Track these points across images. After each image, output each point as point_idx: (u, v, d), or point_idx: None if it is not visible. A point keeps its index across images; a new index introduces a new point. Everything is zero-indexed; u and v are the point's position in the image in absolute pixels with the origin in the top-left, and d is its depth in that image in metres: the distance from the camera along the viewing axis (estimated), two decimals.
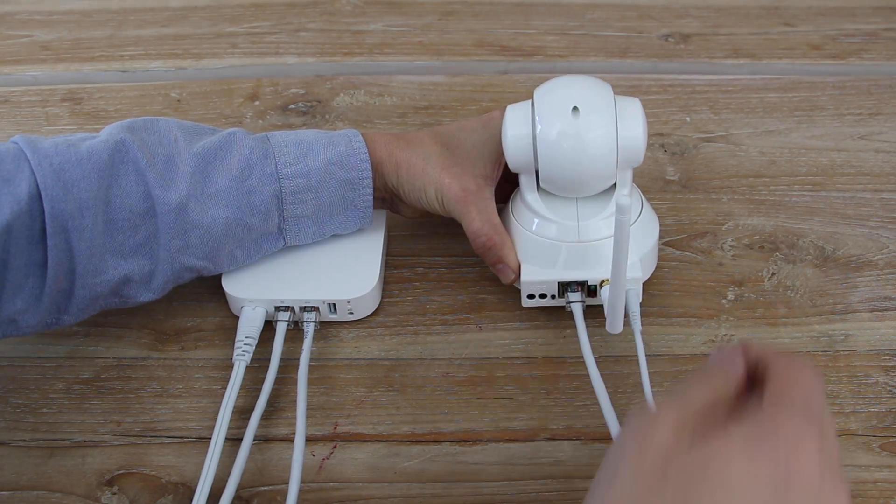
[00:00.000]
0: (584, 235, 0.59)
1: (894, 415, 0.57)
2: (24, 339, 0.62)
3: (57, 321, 0.56)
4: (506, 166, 0.62)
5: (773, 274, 0.65)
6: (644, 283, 0.62)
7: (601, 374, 0.56)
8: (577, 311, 0.59)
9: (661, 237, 0.63)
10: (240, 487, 0.53)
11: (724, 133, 0.76)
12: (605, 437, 0.55)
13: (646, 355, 0.57)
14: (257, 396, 0.57)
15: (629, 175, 0.60)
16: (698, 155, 0.74)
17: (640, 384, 0.56)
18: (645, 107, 0.59)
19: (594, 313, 0.60)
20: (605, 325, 0.57)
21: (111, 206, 0.55)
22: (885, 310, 0.62)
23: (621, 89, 0.60)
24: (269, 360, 0.59)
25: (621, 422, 0.54)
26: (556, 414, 0.57)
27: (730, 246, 0.67)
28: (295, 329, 0.62)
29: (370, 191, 0.61)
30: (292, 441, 0.55)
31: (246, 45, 0.87)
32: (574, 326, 0.59)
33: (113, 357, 0.61)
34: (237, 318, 0.61)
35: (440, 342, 0.61)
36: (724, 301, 0.63)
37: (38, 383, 0.60)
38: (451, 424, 0.57)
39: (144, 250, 0.56)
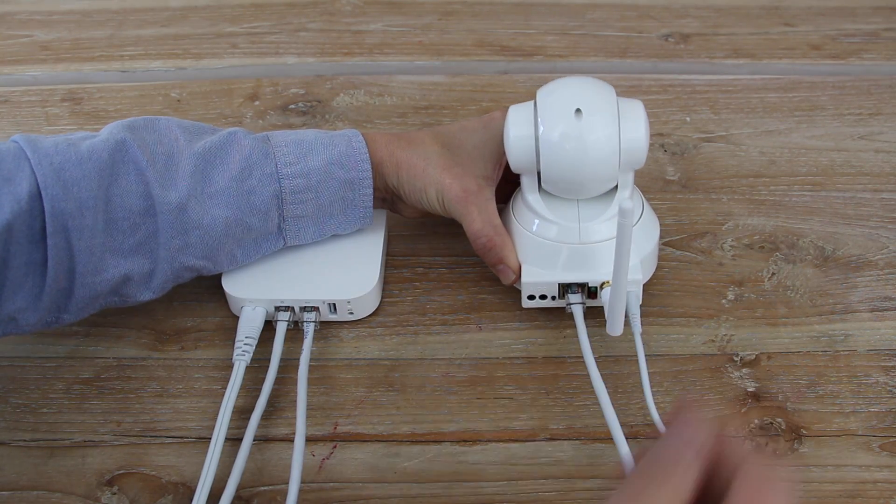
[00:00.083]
0: (586, 237, 0.59)
1: (894, 415, 0.57)
2: (24, 339, 0.62)
3: (57, 320, 0.56)
4: (506, 167, 0.62)
5: (773, 274, 0.65)
6: (644, 284, 0.62)
7: (601, 375, 0.56)
8: (578, 312, 0.59)
9: (661, 237, 0.63)
10: (240, 487, 0.53)
11: (724, 133, 0.76)
12: (606, 438, 0.56)
13: (645, 355, 0.57)
14: (257, 396, 0.57)
15: (631, 177, 0.60)
16: (698, 155, 0.74)
17: (640, 384, 0.56)
18: (645, 107, 0.59)
19: (593, 313, 0.60)
20: (604, 326, 0.57)
21: (111, 205, 0.55)
22: (885, 310, 0.62)
23: (621, 89, 0.60)
24: (269, 360, 0.59)
25: (622, 422, 0.54)
26: (556, 414, 0.57)
27: (730, 246, 0.67)
28: (295, 329, 0.61)
29: (370, 191, 0.61)
30: (292, 441, 0.55)
31: (246, 45, 0.87)
32: (574, 326, 0.59)
33: (113, 357, 0.61)
34: (237, 318, 0.61)
35: (440, 342, 0.61)
36: (724, 301, 0.63)
37: (38, 383, 0.60)
38: (451, 424, 0.57)
39: (144, 249, 0.56)
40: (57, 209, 0.53)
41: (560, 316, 0.62)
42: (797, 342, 0.61)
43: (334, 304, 0.61)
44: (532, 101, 0.59)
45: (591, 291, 0.60)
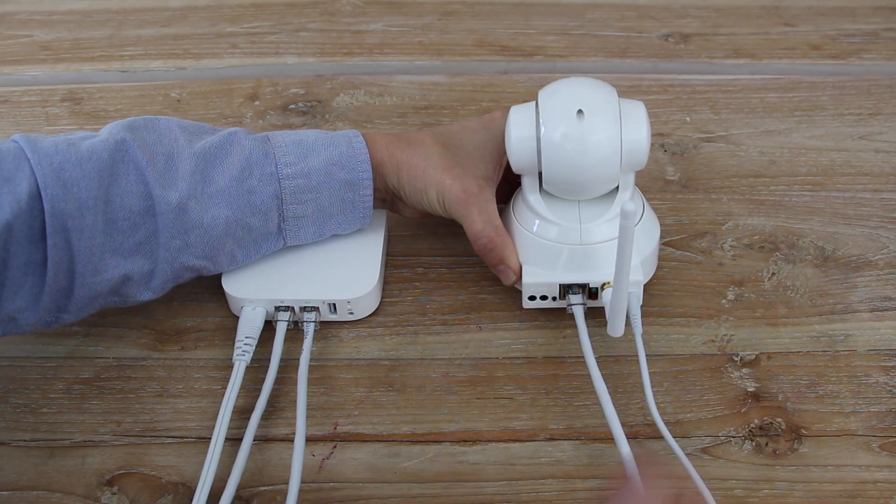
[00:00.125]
0: (586, 238, 0.59)
1: (894, 415, 0.57)
2: (24, 339, 0.62)
3: (56, 319, 0.56)
4: (506, 167, 0.62)
5: (773, 274, 0.65)
6: (644, 284, 0.62)
7: (602, 375, 0.56)
8: (579, 313, 0.59)
9: (661, 237, 0.63)
10: (240, 487, 0.53)
11: (724, 133, 0.76)
12: (605, 438, 0.56)
13: (646, 355, 0.57)
14: (257, 396, 0.57)
15: (632, 178, 0.60)
16: (698, 155, 0.74)
17: (640, 384, 0.56)
18: (646, 108, 0.59)
19: (593, 312, 0.60)
20: (604, 325, 0.57)
21: (111, 205, 0.55)
22: (885, 310, 0.62)
23: (621, 89, 0.60)
24: (269, 360, 0.59)
25: (622, 422, 0.54)
26: (556, 414, 0.57)
27: (730, 246, 0.67)
28: (295, 329, 0.61)
29: (370, 192, 0.61)
30: (292, 441, 0.55)
31: (246, 45, 0.87)
32: (574, 326, 0.59)
33: (113, 357, 0.61)
34: (237, 318, 0.61)
35: (440, 342, 0.61)
36: (724, 301, 0.63)
37: (38, 383, 0.60)
38: (451, 424, 0.57)
39: (144, 250, 0.56)
40: (57, 209, 0.53)
41: (560, 316, 0.62)
42: (797, 342, 0.61)
43: (334, 304, 0.61)
44: (533, 102, 0.59)
45: (591, 292, 0.60)
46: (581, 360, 0.57)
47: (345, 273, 0.62)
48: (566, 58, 0.85)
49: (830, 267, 0.65)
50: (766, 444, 0.55)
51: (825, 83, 0.81)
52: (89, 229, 0.54)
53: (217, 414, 0.55)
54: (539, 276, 0.60)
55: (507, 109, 0.60)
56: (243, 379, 0.58)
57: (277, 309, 0.61)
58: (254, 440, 0.55)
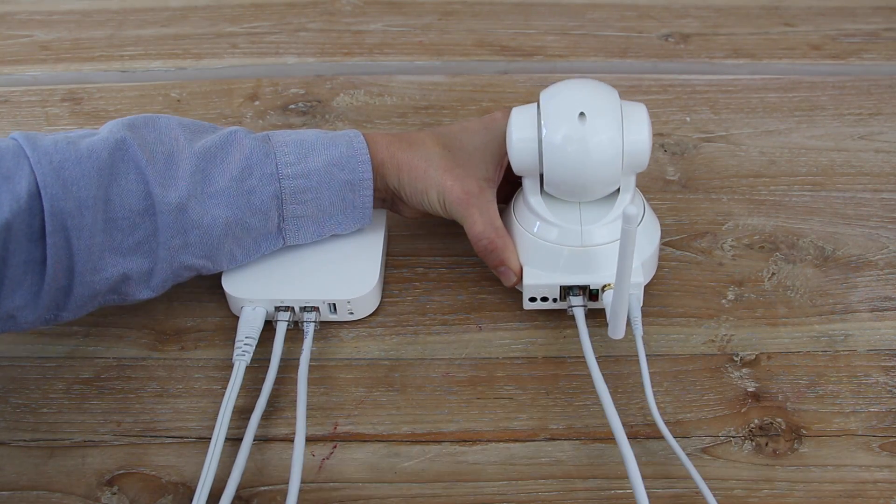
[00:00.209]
0: (587, 240, 0.59)
1: (894, 415, 0.57)
2: (24, 339, 0.62)
3: (55, 318, 0.56)
4: (507, 167, 0.62)
5: (773, 274, 0.65)
6: (644, 285, 0.62)
7: (602, 376, 0.56)
8: (579, 314, 0.59)
9: (661, 238, 0.63)
10: (240, 487, 0.53)
11: (724, 133, 0.76)
12: (605, 438, 0.56)
13: (646, 355, 0.57)
14: (257, 396, 0.57)
15: (633, 180, 0.60)
16: (698, 155, 0.74)
17: (640, 384, 0.56)
18: (647, 109, 0.59)
19: (593, 313, 0.60)
20: (603, 325, 0.57)
21: (111, 204, 0.55)
22: (885, 310, 0.62)
23: (621, 89, 0.60)
24: (269, 360, 0.59)
25: (623, 423, 0.54)
26: (556, 414, 0.57)
27: (730, 246, 0.67)
28: (295, 329, 0.61)
29: (370, 192, 0.61)
30: (292, 441, 0.55)
31: (246, 45, 0.87)
32: (574, 326, 0.59)
33: (113, 357, 0.61)
34: (237, 318, 0.61)
35: (440, 342, 0.61)
36: (724, 301, 0.63)
37: (38, 383, 0.60)
38: (451, 424, 0.57)
39: (144, 249, 0.56)
40: (56, 208, 0.53)
41: (560, 316, 0.62)
42: (797, 342, 0.61)
43: (334, 304, 0.61)
44: (535, 104, 0.59)
45: (592, 294, 0.60)
46: (581, 359, 0.57)
47: (345, 273, 0.62)
48: (566, 58, 0.85)
49: (830, 267, 0.65)
50: (766, 444, 0.55)
51: (825, 83, 0.81)
52: (89, 228, 0.54)
53: (217, 414, 0.55)
54: (540, 277, 0.60)
55: (508, 110, 0.60)
56: (243, 379, 0.58)
57: (277, 309, 0.61)
58: (254, 440, 0.55)
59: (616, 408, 0.54)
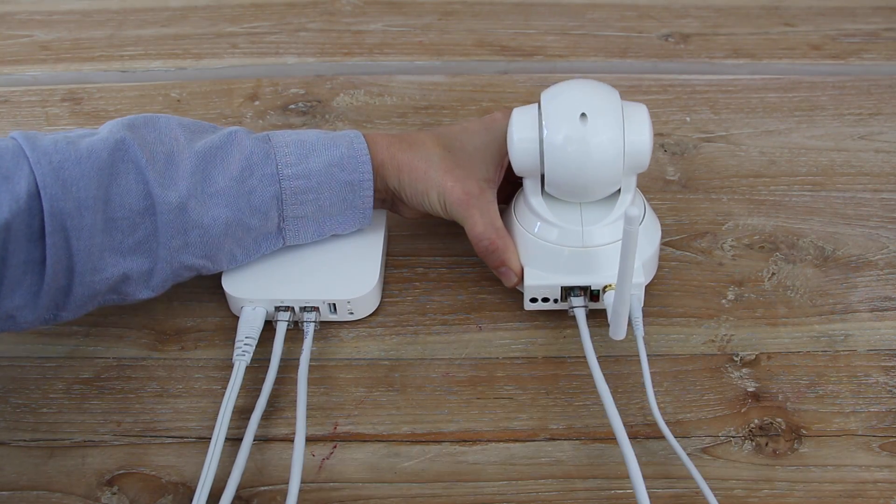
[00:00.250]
0: (588, 240, 0.59)
1: (894, 415, 0.57)
2: (24, 339, 0.62)
3: (55, 317, 0.56)
4: (507, 168, 0.62)
5: (773, 274, 0.65)
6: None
7: (603, 376, 0.56)
8: (580, 315, 0.59)
9: (661, 238, 0.63)
10: (240, 487, 0.53)
11: (724, 133, 0.76)
12: (605, 437, 0.56)
13: (646, 355, 0.57)
14: (257, 396, 0.57)
15: (634, 180, 0.60)
16: (698, 155, 0.74)
17: (640, 384, 0.56)
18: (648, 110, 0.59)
19: (593, 312, 0.60)
20: (603, 325, 0.57)
21: (111, 204, 0.55)
22: (885, 310, 0.62)
23: (621, 89, 0.60)
24: (269, 360, 0.59)
25: (624, 423, 0.54)
26: (556, 414, 0.57)
27: (730, 246, 0.67)
28: (295, 329, 0.61)
29: (371, 193, 0.61)
30: (292, 441, 0.55)
31: (246, 45, 0.87)
32: (574, 326, 0.59)
33: (113, 357, 0.61)
34: (237, 318, 0.61)
35: (440, 342, 0.61)
36: (724, 301, 0.63)
37: (38, 383, 0.60)
38: (451, 424, 0.57)
39: (144, 249, 0.56)
40: (56, 208, 0.53)
41: (560, 316, 0.62)
42: (797, 342, 0.61)
43: (334, 304, 0.61)
44: (535, 104, 0.59)
45: (593, 294, 0.60)
46: (581, 359, 0.57)
47: (345, 273, 0.62)
48: (566, 58, 0.85)
49: (830, 267, 0.65)
50: (766, 444, 0.55)
51: (825, 83, 0.81)
52: (88, 228, 0.54)
53: (217, 414, 0.55)
54: (540, 278, 0.60)
55: (508, 110, 0.60)
56: (243, 379, 0.58)
57: (277, 309, 0.61)
58: (254, 440, 0.55)
59: (616, 408, 0.54)
